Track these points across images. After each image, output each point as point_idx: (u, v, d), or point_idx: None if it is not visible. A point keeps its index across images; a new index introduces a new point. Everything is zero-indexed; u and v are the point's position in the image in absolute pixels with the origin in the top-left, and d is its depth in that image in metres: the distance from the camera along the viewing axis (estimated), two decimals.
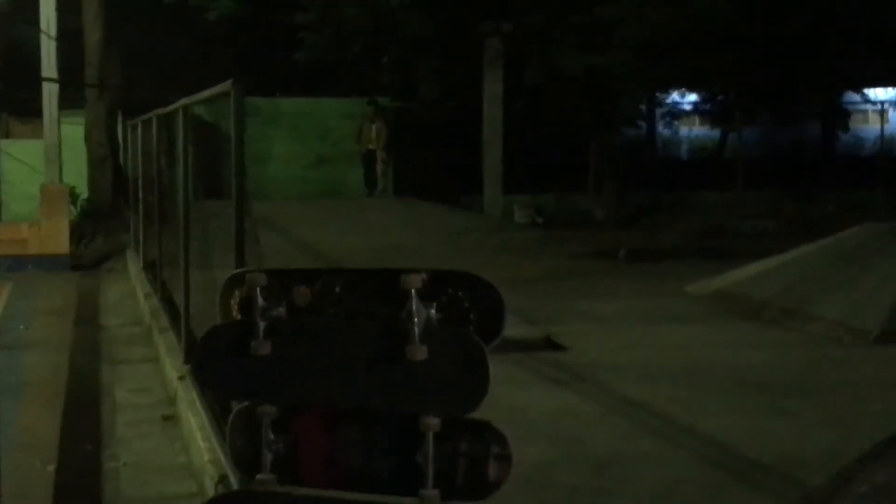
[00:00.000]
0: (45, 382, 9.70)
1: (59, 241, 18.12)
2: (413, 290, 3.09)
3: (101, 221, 20.75)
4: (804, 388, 8.27)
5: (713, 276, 13.16)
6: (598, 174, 23.04)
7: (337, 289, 3.27)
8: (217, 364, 3.39)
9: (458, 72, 23.03)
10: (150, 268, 13.79)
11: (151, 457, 7.35)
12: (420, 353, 3.08)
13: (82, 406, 8.93)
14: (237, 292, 3.32)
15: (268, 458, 3.25)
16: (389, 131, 17.30)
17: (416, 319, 3.08)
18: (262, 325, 3.22)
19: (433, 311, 3.12)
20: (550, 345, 9.90)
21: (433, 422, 3.09)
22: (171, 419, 8.09)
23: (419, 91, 24.35)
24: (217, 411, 6.66)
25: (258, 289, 3.23)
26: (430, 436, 3.09)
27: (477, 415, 3.15)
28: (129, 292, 14.89)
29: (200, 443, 6.75)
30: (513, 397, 7.15)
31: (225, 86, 6.63)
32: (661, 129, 32.72)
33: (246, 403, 3.33)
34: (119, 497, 6.65)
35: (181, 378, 8.39)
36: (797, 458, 6.18)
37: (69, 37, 20.02)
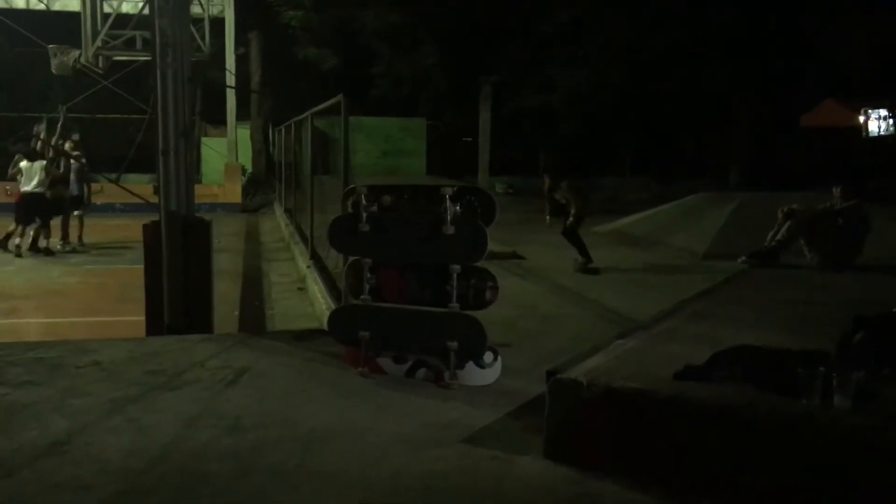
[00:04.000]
0: (231, 270, 9.84)
1: (235, 195, 18.27)
2: (447, 196, 3.25)
3: (259, 185, 20.84)
4: (662, 283, 8.31)
5: (611, 222, 13.17)
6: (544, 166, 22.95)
7: (405, 196, 3.43)
8: (340, 236, 3.57)
9: (465, 105, 22.84)
10: (288, 212, 13.92)
11: (292, 309, 7.55)
12: (450, 230, 3.24)
13: (252, 282, 9.15)
14: (351, 197, 3.48)
15: (366, 287, 3.43)
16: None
17: (448, 212, 3.25)
18: (364, 215, 3.39)
19: (458, 207, 3.27)
20: (517, 256, 9.93)
21: (456, 268, 3.26)
22: (302, 290, 8.26)
23: (442, 116, 24.26)
24: (328, 284, 6.85)
25: (362, 195, 3.40)
26: (455, 275, 3.26)
27: (479, 265, 3.33)
28: (275, 225, 14.99)
29: (320, 300, 6.93)
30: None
31: (337, 98, 6.70)
32: None
33: (355, 258, 3.51)
34: (273, 330, 6.81)
35: (308, 268, 8.57)
36: (646, 316, 6.26)
37: (241, 76, 20.08)
